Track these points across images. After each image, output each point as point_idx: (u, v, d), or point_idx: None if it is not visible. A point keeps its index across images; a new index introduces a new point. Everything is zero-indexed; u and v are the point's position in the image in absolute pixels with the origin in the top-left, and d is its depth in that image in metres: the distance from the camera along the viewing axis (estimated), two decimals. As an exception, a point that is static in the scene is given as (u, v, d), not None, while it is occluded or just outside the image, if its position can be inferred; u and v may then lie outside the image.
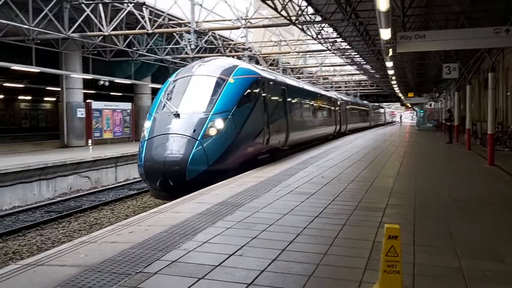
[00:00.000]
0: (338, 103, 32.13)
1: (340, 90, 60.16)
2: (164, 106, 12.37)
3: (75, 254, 5.20)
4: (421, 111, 63.07)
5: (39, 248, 10.89)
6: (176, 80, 13.38)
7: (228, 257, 5.05)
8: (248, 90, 13.26)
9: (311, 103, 22.86)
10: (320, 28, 25.13)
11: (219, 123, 11.75)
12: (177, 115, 11.78)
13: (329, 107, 28.44)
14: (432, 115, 59.14)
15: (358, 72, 48.14)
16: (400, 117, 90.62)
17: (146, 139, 11.70)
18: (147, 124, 12.17)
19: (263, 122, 14.06)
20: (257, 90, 13.84)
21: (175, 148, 11.22)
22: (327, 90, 42.62)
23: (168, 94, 12.89)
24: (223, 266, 4.78)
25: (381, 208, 7.62)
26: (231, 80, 12.75)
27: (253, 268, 4.70)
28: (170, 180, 11.04)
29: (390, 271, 3.98)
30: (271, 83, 15.48)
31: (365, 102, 58.54)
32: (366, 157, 16.48)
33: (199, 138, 11.30)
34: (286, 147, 17.27)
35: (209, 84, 12.76)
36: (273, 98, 15.55)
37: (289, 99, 17.78)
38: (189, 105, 12.21)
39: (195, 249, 5.33)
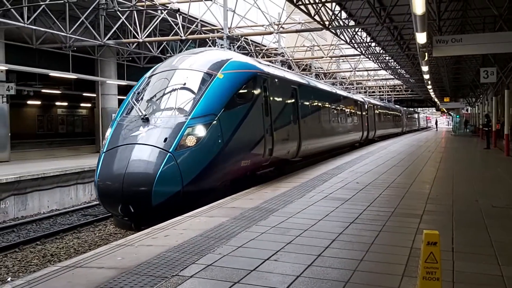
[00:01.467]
0: (366, 106, 29.67)
1: (374, 95, 59.59)
2: (131, 109, 9.99)
3: (112, 256, 5.26)
4: (457, 116, 61.92)
5: (76, 251, 11.09)
6: (152, 75, 10.93)
7: (263, 262, 5.03)
8: (243, 88, 10.83)
9: (331, 106, 20.19)
10: (354, 33, 24.96)
11: (200, 130, 9.28)
12: (145, 120, 9.37)
13: (354, 111, 25.82)
14: (468, 120, 57.94)
15: (392, 76, 47.57)
16: (436, 122, 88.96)
17: (104, 151, 9.35)
18: (108, 132, 9.82)
19: (264, 128, 11.57)
20: (256, 89, 11.42)
21: (138, 163, 8.75)
22: (353, 93, 42.19)
23: (139, 94, 10.47)
24: (258, 270, 4.76)
25: (418, 215, 7.48)
26: (220, 75, 10.36)
27: (288, 273, 4.67)
28: (131, 206, 8.57)
29: (429, 277, 3.89)
30: (276, 80, 13.01)
31: (396, 106, 55.73)
32: (401, 162, 16.24)
33: (171, 150, 8.76)
34: (298, 158, 14.77)
35: (191, 80, 10.30)
36: (279, 99, 13.12)
37: (302, 101, 15.29)
38: (163, 107, 9.90)
39: (230, 254, 5.33)
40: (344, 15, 21.28)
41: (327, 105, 19.22)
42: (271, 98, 12.31)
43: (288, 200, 8.71)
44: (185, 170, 8.79)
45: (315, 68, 38.04)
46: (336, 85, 43.02)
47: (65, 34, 19.04)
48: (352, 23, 22.36)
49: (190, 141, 9.06)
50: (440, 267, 3.86)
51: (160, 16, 21.41)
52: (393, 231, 6.45)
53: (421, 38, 13.64)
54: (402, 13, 19.03)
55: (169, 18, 21.64)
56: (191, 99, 9.81)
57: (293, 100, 14.40)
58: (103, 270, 4.81)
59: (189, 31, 22.78)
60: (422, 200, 8.82)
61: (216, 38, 22.32)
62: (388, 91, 63.36)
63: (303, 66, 37.03)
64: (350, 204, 8.36)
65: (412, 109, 76.16)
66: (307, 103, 16.25)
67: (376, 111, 34.46)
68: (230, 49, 19.92)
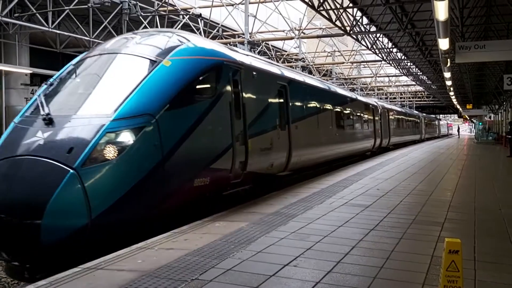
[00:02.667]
0: (379, 111, 26.85)
1: (395, 101, 59.15)
2: (37, 107, 7.37)
3: (132, 259, 5.31)
4: (480, 123, 61.11)
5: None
6: (78, 62, 8.40)
7: (283, 267, 5.03)
8: (200, 81, 8.23)
9: (335, 110, 17.44)
10: (375, 38, 24.85)
11: (126, 137, 6.76)
12: (48, 122, 6.83)
13: (365, 115, 22.91)
14: (490, 127, 57.12)
15: (414, 83, 47.20)
16: (458, 129, 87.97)
17: None
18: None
19: (233, 135, 8.94)
20: (221, 82, 8.80)
21: (24, 184, 6.18)
22: (375, 99, 41.32)
23: (54, 86, 7.91)
24: (277, 276, 4.76)
25: (440, 223, 7.40)
26: (166, 62, 7.79)
27: (308, 280, 4.66)
28: (14, 246, 6.17)
29: (450, 286, 3.85)
30: (254, 74, 10.31)
31: (414, 112, 52.44)
32: (422, 169, 16.09)
33: (76, 165, 6.21)
34: (287, 172, 12.27)
35: (126, 68, 7.88)
36: (259, 97, 10.53)
37: (294, 102, 12.71)
38: (80, 104, 7.27)
39: (249, 258, 5.33)
40: (365, 20, 21.22)
41: (329, 108, 16.57)
42: (246, 96, 9.63)
43: (308, 206, 8.69)
44: (96, 194, 6.25)
45: (336, 74, 37.93)
46: (357, 91, 42.70)
47: (88, 38, 19.29)
48: (373, 28, 22.26)
49: (108, 153, 6.51)
50: (462, 276, 3.82)
51: (182, 21, 21.57)
52: (414, 239, 6.39)
53: (443, 44, 13.54)
54: (424, 19, 18.91)
55: (190, 23, 21.78)
56: (120, 94, 7.19)
57: (281, 100, 11.85)
58: (124, 272, 4.85)
59: (210, 36, 22.90)
60: (444, 208, 8.72)
61: (237, 43, 22.42)
62: (409, 98, 62.86)
63: (323, 72, 36.95)
64: (371, 211, 8.31)
65: (433, 116, 74.16)
66: (301, 105, 13.58)
67: (391, 117, 31.55)
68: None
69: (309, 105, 14.28)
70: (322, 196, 9.92)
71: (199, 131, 8.00)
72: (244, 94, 9.59)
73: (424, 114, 61.06)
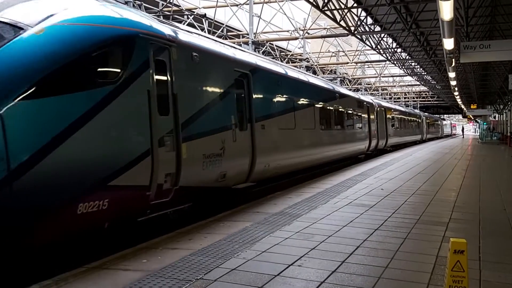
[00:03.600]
0: (375, 110, 24.71)
1: (399, 101, 59.05)
2: None
3: (137, 259, 5.32)
4: (485, 123, 60.97)
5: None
6: None
7: (287, 267, 5.03)
8: (94, 58, 5.98)
9: (320, 107, 15.09)
10: (380, 39, 24.82)
11: None
12: None
13: (358, 114, 20.61)
14: (495, 127, 56.96)
15: (418, 83, 47.10)
16: (462, 129, 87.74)
17: None
18: None
19: (153, 136, 6.72)
20: (133, 62, 6.51)
21: None
22: (380, 98, 40.69)
23: None
24: (282, 276, 4.76)
25: (444, 222, 7.39)
26: (38, 29, 5.60)
27: (312, 279, 4.65)
28: None
29: (455, 286, 3.84)
30: (195, 55, 7.96)
31: (416, 111, 49.49)
32: (427, 169, 16.05)
33: None
34: (251, 182, 9.96)
35: None
36: (202, 87, 8.25)
37: (259, 96, 10.49)
38: None
39: (254, 258, 5.34)
40: (370, 20, 21.19)
41: (311, 104, 14.16)
42: (180, 84, 7.39)
43: (313, 206, 8.68)
44: None
45: (340, 74, 37.90)
46: (361, 90, 42.61)
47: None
48: (378, 28, 22.24)
49: None
50: (467, 276, 3.81)
51: (186, 21, 21.60)
52: (419, 239, 6.38)
53: (448, 44, 13.51)
54: (429, 19, 18.88)
55: (195, 23, 21.81)
56: None
57: (239, 93, 9.54)
58: (129, 272, 4.87)
59: (215, 36, 22.91)
60: (448, 208, 8.70)
61: (241, 43, 22.43)
62: (413, 97, 62.75)
63: (328, 72, 36.92)
64: (375, 211, 8.30)
65: (436, 115, 72.58)
66: (272, 99, 11.39)
67: (389, 116, 29.11)
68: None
69: (282, 100, 12.00)
70: (326, 196, 9.91)
71: (88, 130, 5.68)
72: (176, 82, 7.27)
73: (426, 113, 58.57)
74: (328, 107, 16.11)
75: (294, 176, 13.17)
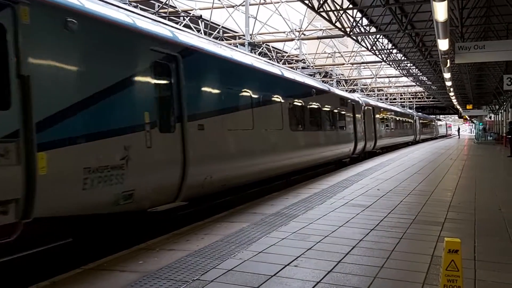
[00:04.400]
0: (361, 108, 22.53)
1: (395, 102, 59.17)
2: None
3: (134, 260, 5.33)
4: (480, 124, 61.17)
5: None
6: None
7: (284, 267, 5.05)
8: None
9: (291, 105, 12.95)
10: (375, 39, 24.89)
11: None
12: None
13: (341, 113, 18.42)
14: (491, 127, 57.13)
15: (413, 83, 47.24)
16: (458, 129, 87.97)
17: None
18: None
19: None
20: None
21: None
22: (376, 99, 40.03)
23: None
24: (278, 276, 4.78)
25: (440, 222, 7.42)
26: None
27: (308, 279, 4.68)
28: None
29: (450, 286, 3.87)
30: (69, 20, 5.64)
31: (408, 110, 47.21)
32: (422, 170, 16.10)
33: None
34: (183, 200, 7.71)
35: None
36: (84, 69, 5.87)
37: (195, 87, 8.20)
38: None
39: (250, 259, 5.36)
40: (365, 21, 21.25)
41: (275, 101, 11.83)
42: (36, 62, 5.19)
43: (309, 206, 8.71)
44: None
45: (336, 75, 37.98)
46: (357, 91, 42.55)
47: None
48: (373, 29, 22.31)
49: None
50: (462, 276, 3.84)
51: (182, 23, 21.62)
52: (414, 239, 6.41)
53: (443, 45, 13.57)
54: (424, 20, 18.95)
55: (191, 25, 21.84)
56: None
57: (161, 81, 7.37)
58: (126, 273, 4.88)
59: (211, 37, 22.94)
60: (444, 208, 8.74)
61: (237, 44, 22.46)
62: (409, 98, 62.91)
63: (324, 73, 37.00)
64: (371, 211, 8.33)
65: (431, 115, 70.48)
66: (215, 92, 8.93)
67: (378, 115, 27.04)
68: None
69: (234, 94, 9.70)
70: (323, 196, 9.94)
71: None
72: (28, 57, 5.08)
73: (420, 113, 56.69)
74: (301, 105, 13.73)
75: (268, 184, 11.56)
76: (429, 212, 8.30)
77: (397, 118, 34.42)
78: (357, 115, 21.07)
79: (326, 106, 16.33)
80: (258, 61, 12.64)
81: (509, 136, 25.66)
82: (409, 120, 41.63)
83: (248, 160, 10.07)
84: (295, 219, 7.54)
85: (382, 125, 28.01)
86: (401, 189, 11.23)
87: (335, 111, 17.54)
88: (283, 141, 12.17)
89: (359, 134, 21.11)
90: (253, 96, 10.48)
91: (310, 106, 14.59)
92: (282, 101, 12.17)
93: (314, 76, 28.88)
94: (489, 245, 6.11)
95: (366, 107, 23.59)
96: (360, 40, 23.39)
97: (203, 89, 8.43)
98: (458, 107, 60.48)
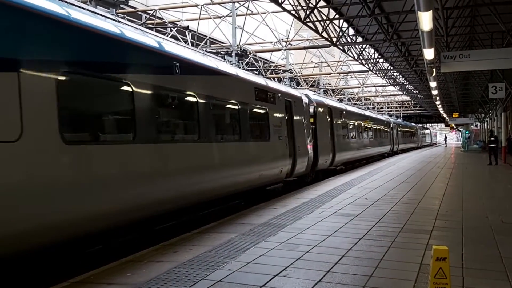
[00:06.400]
0: (310, 110, 16.73)
1: (382, 111, 59.54)
2: None
3: (121, 272, 5.29)
4: (467, 132, 61.71)
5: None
6: None
7: (273, 277, 5.04)
8: None
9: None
10: (362, 49, 25.08)
11: None
12: None
13: (264, 114, 12.31)
14: (477, 136, 57.59)
15: (400, 92, 47.63)
16: (445, 138, 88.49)
17: None
18: None
19: None
20: None
21: None
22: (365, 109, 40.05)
23: None
24: (267, 286, 4.77)
25: (428, 231, 7.46)
26: None
27: (297, 289, 4.67)
28: None
29: (439, 294, 3.89)
30: None
31: (384, 117, 39.89)
32: (410, 178, 16.19)
33: None
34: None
35: None
36: None
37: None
38: None
39: (239, 269, 5.33)
40: (351, 31, 21.42)
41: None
42: None
43: (298, 216, 8.71)
44: None
45: (323, 85, 38.16)
46: (344, 101, 42.63)
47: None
48: (359, 39, 22.49)
49: None
50: (450, 283, 3.87)
51: (169, 34, 21.63)
52: (403, 247, 6.43)
53: (428, 54, 13.71)
54: (409, 29, 19.15)
55: (178, 36, 21.86)
56: None
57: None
58: (113, 286, 4.84)
59: (198, 48, 22.96)
60: (432, 216, 8.78)
61: (225, 55, 22.50)
62: (396, 107, 63.35)
63: (311, 83, 37.18)
64: (359, 220, 8.34)
65: (410, 123, 60.86)
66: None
67: (338, 121, 20.56)
68: (238, 65, 20.02)
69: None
70: (311, 206, 9.95)
71: None
72: None
73: (399, 120, 50.52)
74: (160, 96, 7.86)
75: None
76: (417, 221, 8.33)
77: (367, 125, 28.19)
78: (296, 117, 14.65)
79: (220, 98, 9.87)
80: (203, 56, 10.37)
81: (491, 145, 25.00)
82: (384, 128, 35.19)
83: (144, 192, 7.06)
84: (283, 229, 7.53)
85: (343, 133, 21.70)
86: (389, 198, 11.27)
87: (244, 109, 11.05)
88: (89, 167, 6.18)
89: (302, 146, 14.74)
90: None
91: (175, 96, 8.30)
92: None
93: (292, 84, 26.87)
94: (477, 253, 6.14)
95: (318, 109, 17.62)
96: (346, 50, 23.56)
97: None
98: (445, 115, 61.01)
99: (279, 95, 13.63)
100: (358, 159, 25.10)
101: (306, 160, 15.15)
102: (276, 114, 13.12)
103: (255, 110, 11.75)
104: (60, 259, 5.92)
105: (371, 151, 29.19)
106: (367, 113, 31.95)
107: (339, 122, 20.74)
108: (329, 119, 19.03)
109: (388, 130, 37.09)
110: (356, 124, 24.67)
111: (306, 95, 16.97)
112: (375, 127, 30.93)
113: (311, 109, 16.89)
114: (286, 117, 13.94)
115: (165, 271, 5.28)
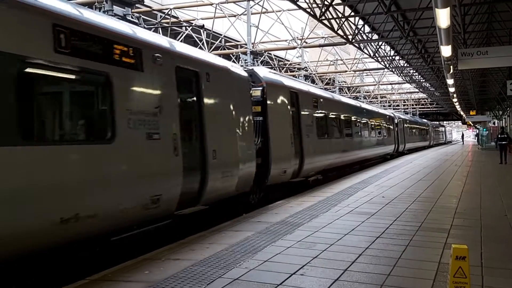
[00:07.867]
0: (277, 96, 12.36)
1: (398, 109, 59.09)
2: None
3: (139, 270, 5.31)
4: (484, 130, 60.96)
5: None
6: None
7: (290, 276, 5.03)
8: None
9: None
10: (377, 46, 24.91)
11: None
12: None
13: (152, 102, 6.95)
14: (495, 134, 56.88)
15: (416, 90, 47.20)
16: (462, 135, 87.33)
17: None
18: None
19: None
20: None
21: None
22: (378, 107, 38.69)
23: None
24: (284, 285, 4.76)
25: (446, 229, 7.38)
26: None
27: (315, 288, 4.65)
28: None
29: (458, 293, 3.85)
30: None
31: (386, 112, 32.13)
32: (427, 176, 16.05)
33: None
34: None
35: None
36: None
37: None
38: None
39: (256, 268, 5.33)
40: (367, 29, 21.27)
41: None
42: None
43: (314, 214, 8.68)
44: None
45: (339, 82, 37.99)
46: (360, 98, 42.33)
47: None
48: (375, 37, 22.32)
49: None
50: (469, 282, 3.82)
51: (184, 33, 21.71)
52: (421, 246, 6.37)
53: (446, 51, 13.57)
54: (426, 26, 18.94)
55: (193, 34, 21.92)
56: None
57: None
58: (131, 283, 4.86)
59: (213, 47, 23.01)
60: (450, 214, 8.70)
61: (239, 53, 22.51)
62: (413, 105, 62.86)
63: (326, 80, 37.04)
64: (376, 218, 8.29)
65: (417, 118, 51.55)
66: None
67: (319, 114, 15.79)
68: (253, 64, 20.00)
69: None
70: (328, 204, 9.91)
71: None
72: None
73: (406, 115, 44.42)
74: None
75: None
76: (435, 219, 8.25)
77: (360, 120, 21.94)
78: (210, 100, 8.66)
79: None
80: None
81: (501, 143, 24.24)
82: (385, 124, 28.60)
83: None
84: (300, 228, 7.51)
85: (321, 130, 15.74)
86: (406, 196, 11.19)
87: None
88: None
89: (217, 151, 8.59)
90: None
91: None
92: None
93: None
94: (496, 251, 6.07)
95: (271, 92, 12.00)
96: (362, 47, 23.41)
97: None
98: (462, 113, 60.30)
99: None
100: (347, 164, 19.15)
101: (216, 182, 8.57)
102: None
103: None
104: (78, 258, 5.97)
105: (366, 152, 22.78)
106: (362, 105, 25.30)
107: (313, 113, 15.02)
108: (293, 109, 13.33)
109: (392, 126, 30.63)
110: (342, 118, 18.76)
111: (251, 70, 12.12)
112: (372, 123, 24.55)
113: (258, 92, 11.58)
114: (184, 100, 8.11)
115: (182, 269, 5.30)
